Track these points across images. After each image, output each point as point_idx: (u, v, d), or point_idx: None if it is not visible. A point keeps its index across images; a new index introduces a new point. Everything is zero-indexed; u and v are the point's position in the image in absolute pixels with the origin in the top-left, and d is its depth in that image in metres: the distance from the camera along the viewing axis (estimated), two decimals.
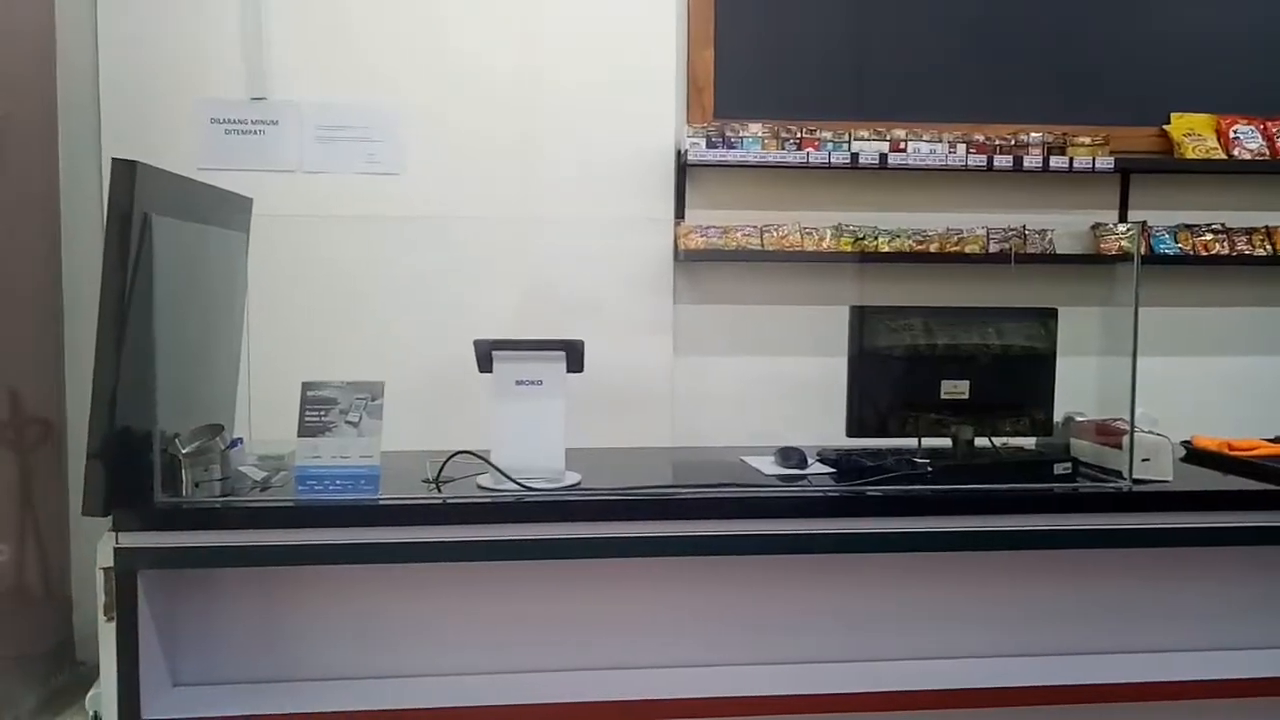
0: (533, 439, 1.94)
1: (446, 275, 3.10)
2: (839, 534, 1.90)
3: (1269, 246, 3.34)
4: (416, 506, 1.82)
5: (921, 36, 3.28)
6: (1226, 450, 2.28)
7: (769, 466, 2.17)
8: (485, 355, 1.99)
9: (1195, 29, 3.37)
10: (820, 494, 1.97)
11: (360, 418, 1.86)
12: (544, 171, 3.17)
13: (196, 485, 1.81)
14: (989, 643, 2.04)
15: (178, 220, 1.86)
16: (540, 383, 1.97)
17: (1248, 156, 3.30)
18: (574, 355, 2.00)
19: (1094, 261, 3.26)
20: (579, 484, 1.94)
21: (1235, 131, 3.31)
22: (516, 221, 3.15)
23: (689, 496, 1.86)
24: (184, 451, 1.80)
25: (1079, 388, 2.28)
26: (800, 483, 2.06)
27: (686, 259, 3.16)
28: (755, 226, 3.15)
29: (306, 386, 1.87)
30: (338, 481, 1.84)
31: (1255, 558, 2.07)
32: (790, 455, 2.17)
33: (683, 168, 3.18)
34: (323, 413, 1.86)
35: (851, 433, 2.13)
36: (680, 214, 3.22)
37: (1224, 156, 3.30)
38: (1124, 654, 2.05)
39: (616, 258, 3.19)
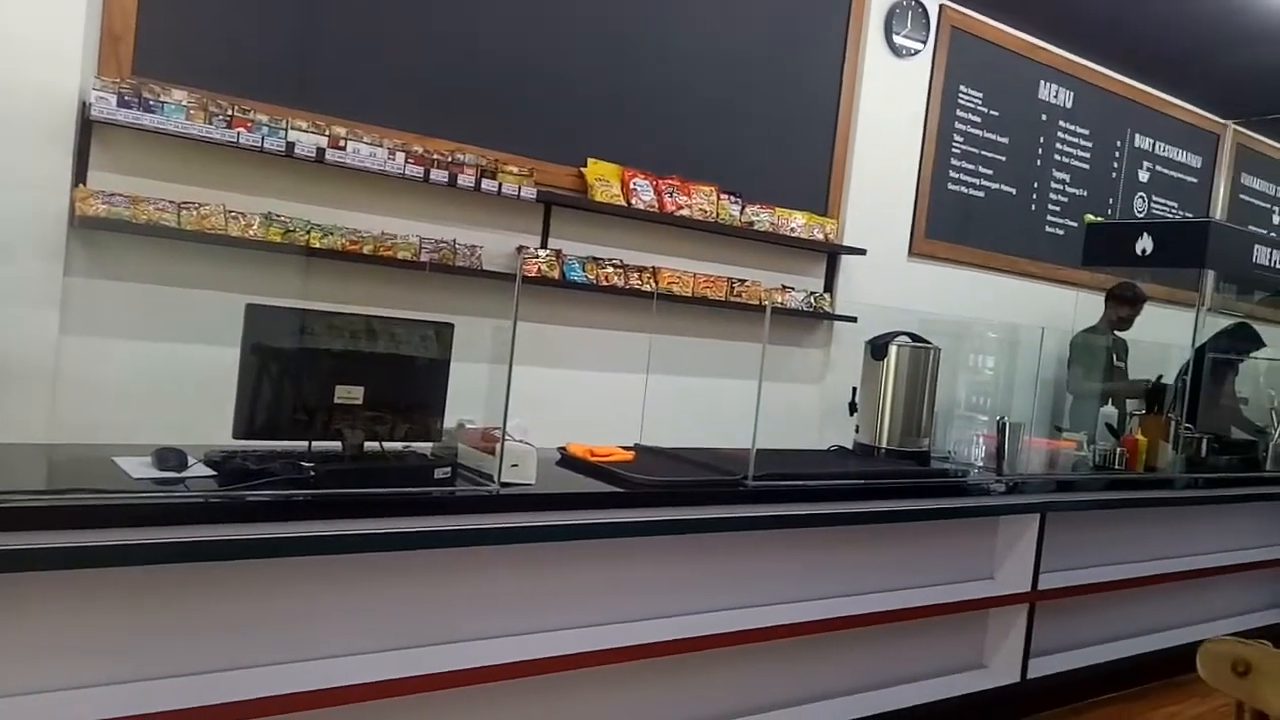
0: None
1: None
2: (213, 540, 1.81)
3: (654, 283, 3.98)
4: None
5: (373, 36, 3.30)
6: (590, 456, 2.65)
7: (142, 469, 1.98)
8: None
9: (614, 87, 3.90)
10: (187, 499, 1.85)
11: None
12: None
13: None
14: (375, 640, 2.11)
15: None
16: None
17: (642, 206, 3.89)
18: None
19: (514, 280, 3.57)
20: None
21: (634, 183, 3.89)
22: None
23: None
24: None
25: (484, 395, 2.47)
26: (175, 487, 1.92)
27: (84, 227, 2.77)
28: (173, 202, 2.88)
29: None
30: None
31: (606, 548, 2.42)
32: (168, 457, 2.01)
33: (87, 124, 2.79)
34: None
35: (239, 434, 2.04)
36: (81, 176, 2.82)
37: (625, 203, 3.85)
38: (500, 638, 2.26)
39: None
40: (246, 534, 1.84)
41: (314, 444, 2.11)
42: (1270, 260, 4.36)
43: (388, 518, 2.00)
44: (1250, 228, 6.79)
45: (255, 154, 2.98)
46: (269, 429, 2.07)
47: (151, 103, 2.79)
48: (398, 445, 2.27)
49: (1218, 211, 6.77)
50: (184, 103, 2.84)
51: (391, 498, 2.02)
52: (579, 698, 2.42)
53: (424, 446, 2.36)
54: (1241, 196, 7.04)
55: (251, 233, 2.98)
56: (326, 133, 3.07)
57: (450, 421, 2.38)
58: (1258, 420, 4.95)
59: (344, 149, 3.08)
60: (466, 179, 3.32)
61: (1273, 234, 7.07)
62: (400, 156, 3.19)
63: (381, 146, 3.16)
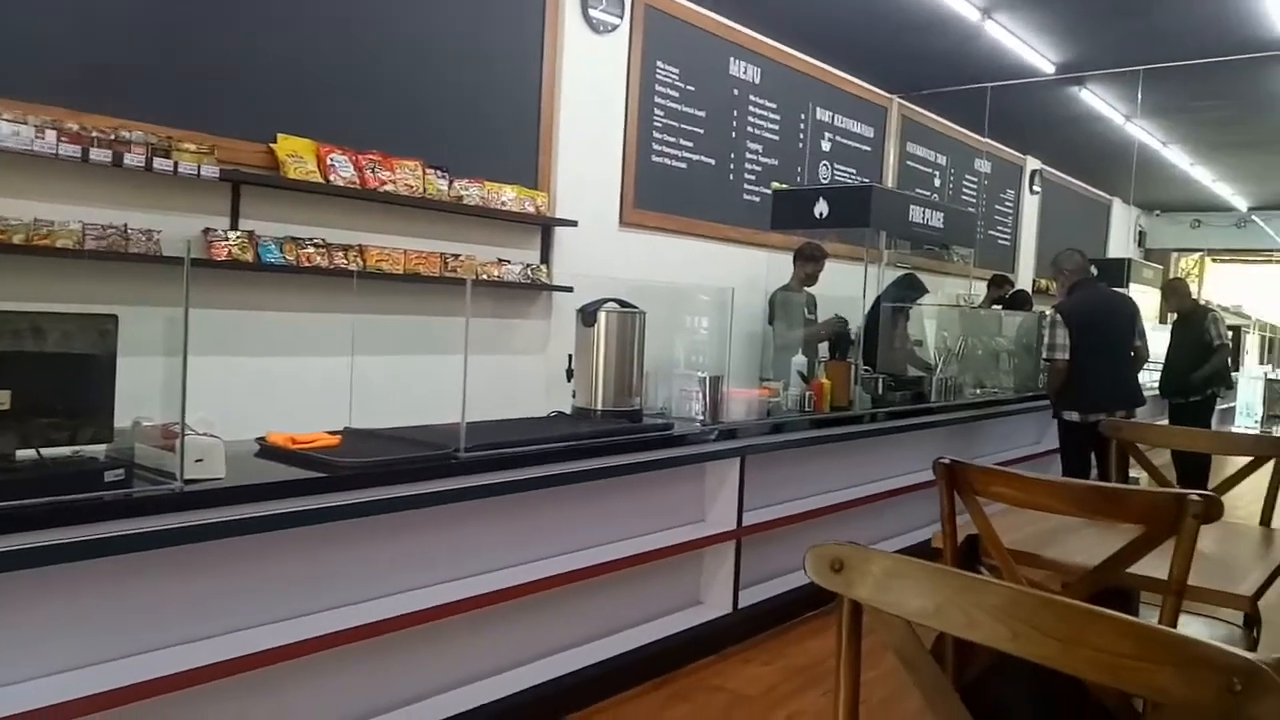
0: None
1: None
2: None
3: (360, 261, 3.87)
4: None
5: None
6: (290, 444, 2.56)
7: None
8: None
9: (304, 59, 3.72)
10: None
11: None
12: None
13: None
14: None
15: None
16: None
17: (342, 183, 3.77)
18: None
19: (203, 265, 3.34)
20: None
21: (332, 159, 3.75)
22: None
23: None
24: None
25: (165, 390, 2.30)
26: None
27: None
28: None
29: None
30: None
31: (315, 535, 2.35)
32: None
33: None
34: None
35: None
36: None
37: (322, 180, 3.71)
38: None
39: None
40: None
41: None
42: (924, 219, 4.98)
43: (45, 529, 1.83)
44: (916, 190, 7.71)
45: None
46: None
47: None
48: (65, 451, 2.08)
49: (889, 177, 7.61)
50: None
51: (49, 507, 1.85)
52: (288, 691, 2.35)
53: (97, 450, 2.17)
54: (908, 163, 7.95)
55: None
56: None
57: (125, 421, 2.21)
58: (930, 359, 5.67)
59: None
60: (135, 158, 3.05)
61: (934, 196, 8.06)
62: (51, 135, 2.87)
63: (26, 124, 2.83)
